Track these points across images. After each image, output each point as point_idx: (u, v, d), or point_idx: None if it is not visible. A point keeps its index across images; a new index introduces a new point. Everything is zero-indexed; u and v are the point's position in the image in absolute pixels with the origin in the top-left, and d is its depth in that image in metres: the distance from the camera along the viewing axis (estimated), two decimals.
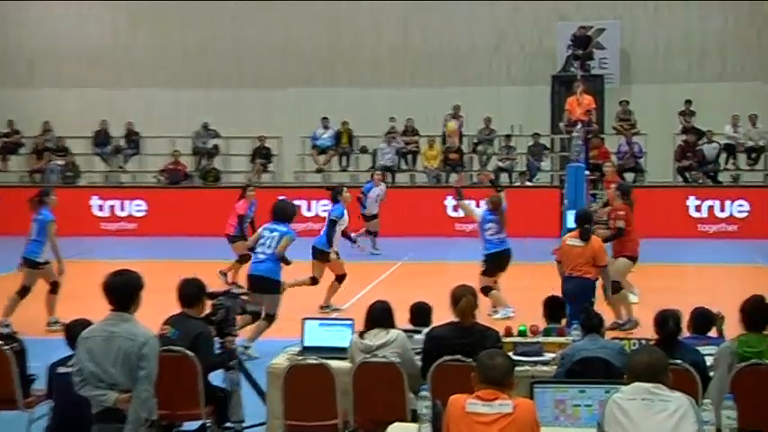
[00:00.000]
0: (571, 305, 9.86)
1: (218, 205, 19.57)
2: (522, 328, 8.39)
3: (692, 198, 22.53)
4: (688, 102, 24.73)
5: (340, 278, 13.84)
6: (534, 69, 26.53)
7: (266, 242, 11.22)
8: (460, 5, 26.65)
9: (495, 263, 13.05)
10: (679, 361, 6.76)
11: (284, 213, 11.52)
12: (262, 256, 11.23)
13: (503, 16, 26.77)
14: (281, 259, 11.22)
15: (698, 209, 22.37)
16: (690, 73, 26.06)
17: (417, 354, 7.50)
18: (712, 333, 8.11)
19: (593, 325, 7.45)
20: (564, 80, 24.16)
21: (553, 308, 8.85)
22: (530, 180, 23.79)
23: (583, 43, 24.78)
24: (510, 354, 7.43)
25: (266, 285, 11.17)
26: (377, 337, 7.38)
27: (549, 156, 24.79)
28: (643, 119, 24.63)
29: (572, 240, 11.11)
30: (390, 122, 25.38)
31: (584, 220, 11.30)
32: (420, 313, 8.51)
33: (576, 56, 24.62)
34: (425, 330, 7.77)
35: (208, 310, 7.67)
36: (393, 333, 7.42)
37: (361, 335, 7.47)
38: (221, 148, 26.38)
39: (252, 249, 11.53)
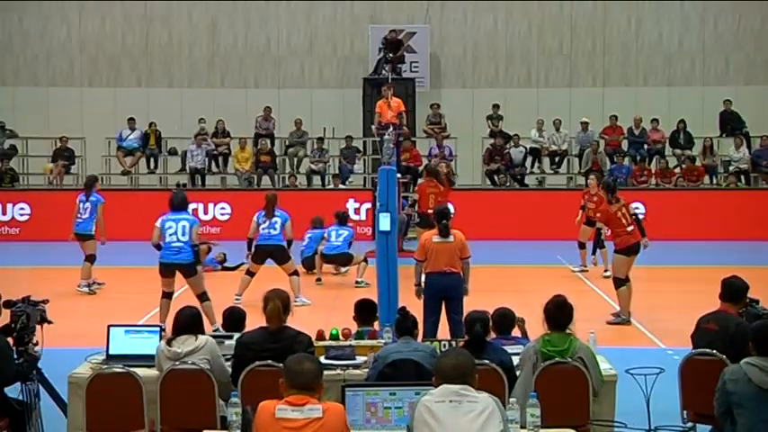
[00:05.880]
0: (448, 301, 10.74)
1: None
2: (333, 331, 8.44)
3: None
4: (495, 106, 25.55)
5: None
6: (346, 72, 26.84)
7: (177, 231, 12.04)
8: (271, 5, 26.72)
9: None
10: (486, 361, 6.96)
11: (183, 202, 12.44)
12: (179, 245, 12.05)
13: (316, 17, 26.94)
14: (196, 246, 12.35)
15: None
16: (497, 78, 26.94)
17: (228, 360, 7.43)
18: (516, 332, 8.40)
19: (406, 327, 7.56)
20: (375, 83, 24.46)
21: (365, 311, 8.91)
22: (343, 183, 23.99)
23: (394, 47, 25.19)
24: (321, 358, 7.51)
25: (189, 270, 12.16)
26: (185, 343, 7.26)
27: (362, 158, 25.06)
28: (453, 122, 25.28)
29: (436, 238, 11.14)
30: (200, 123, 25.07)
31: (443, 217, 11.35)
32: (233, 319, 8.45)
33: (387, 59, 25.00)
34: (236, 336, 7.72)
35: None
36: (202, 339, 7.31)
37: (169, 342, 7.33)
38: (19, 149, 25.44)
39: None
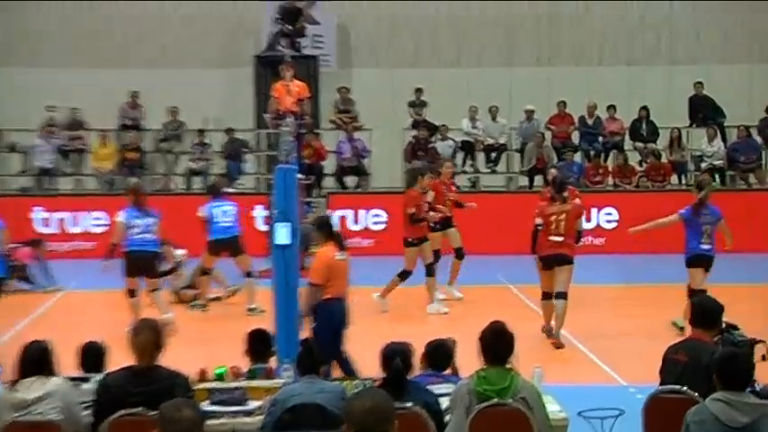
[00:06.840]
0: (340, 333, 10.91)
1: None
2: (219, 370, 8.41)
3: None
4: (418, 90, 25.71)
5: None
6: (233, 49, 26.74)
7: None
8: None
9: None
10: (409, 404, 7.01)
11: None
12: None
13: None
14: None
15: None
16: (419, 56, 27.09)
17: (88, 407, 7.37)
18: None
19: (311, 363, 7.58)
20: (270, 62, 24.39)
21: (259, 343, 8.90)
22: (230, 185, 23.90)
23: (292, 17, 25.18)
24: (204, 403, 7.49)
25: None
26: (31, 388, 7.18)
27: (254, 155, 25.02)
28: (366, 110, 25.38)
29: (338, 255, 11.15)
30: (48, 112, 24.77)
31: (331, 226, 11.65)
32: (90, 355, 8.37)
33: (285, 32, 24.98)
34: (98, 377, 7.66)
35: None
36: (54, 382, 7.25)
37: (13, 385, 7.25)
38: None
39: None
